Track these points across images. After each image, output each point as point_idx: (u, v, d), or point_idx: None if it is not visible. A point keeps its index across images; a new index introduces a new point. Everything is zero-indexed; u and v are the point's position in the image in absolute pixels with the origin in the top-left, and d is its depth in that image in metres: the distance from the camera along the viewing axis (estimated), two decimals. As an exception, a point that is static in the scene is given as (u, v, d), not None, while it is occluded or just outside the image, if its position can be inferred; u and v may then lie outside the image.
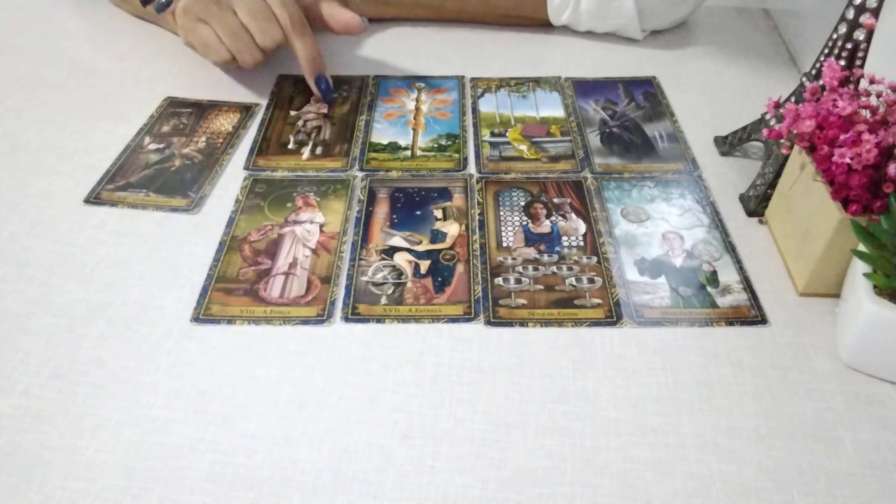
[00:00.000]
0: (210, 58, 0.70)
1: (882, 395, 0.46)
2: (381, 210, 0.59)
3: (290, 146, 0.66)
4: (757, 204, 0.58)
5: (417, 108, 0.71)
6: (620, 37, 0.81)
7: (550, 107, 0.71)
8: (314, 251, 0.55)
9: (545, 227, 0.57)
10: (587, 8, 0.78)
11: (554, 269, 0.54)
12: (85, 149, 0.64)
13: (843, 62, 0.52)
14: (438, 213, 0.58)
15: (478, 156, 0.65)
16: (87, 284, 0.52)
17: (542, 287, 0.52)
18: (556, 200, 0.60)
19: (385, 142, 0.66)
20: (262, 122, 0.68)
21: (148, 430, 0.43)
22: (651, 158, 0.64)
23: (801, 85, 0.57)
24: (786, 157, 0.55)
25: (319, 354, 0.48)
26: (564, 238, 0.56)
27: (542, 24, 0.82)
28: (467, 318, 0.50)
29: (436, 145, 0.66)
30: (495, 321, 0.50)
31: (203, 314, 0.50)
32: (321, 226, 0.57)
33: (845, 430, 0.44)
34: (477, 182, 0.62)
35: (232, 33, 0.65)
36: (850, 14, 0.51)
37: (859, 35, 0.51)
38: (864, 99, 0.49)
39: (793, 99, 0.58)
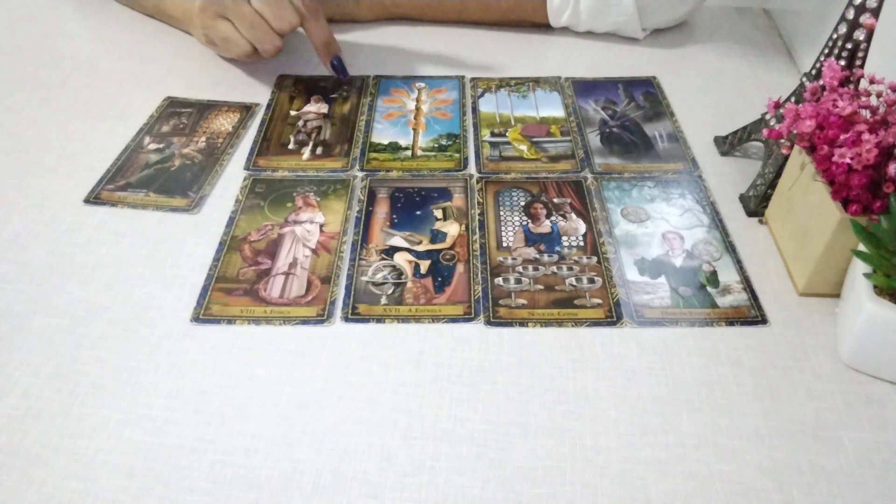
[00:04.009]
0: (232, 52, 0.70)
1: (882, 395, 0.46)
2: (381, 210, 0.59)
3: (291, 146, 0.66)
4: (757, 204, 0.58)
5: (418, 108, 0.71)
6: (620, 37, 0.81)
7: (550, 107, 0.71)
8: (314, 251, 0.55)
9: (545, 227, 0.57)
10: (587, 6, 0.78)
11: (554, 269, 0.54)
12: (85, 149, 0.65)
13: (843, 62, 0.52)
14: (438, 213, 0.58)
15: (478, 156, 0.65)
16: (87, 284, 0.52)
17: (542, 287, 0.52)
18: (556, 200, 0.60)
19: (385, 142, 0.66)
20: (262, 122, 0.68)
21: (148, 430, 0.43)
22: (651, 158, 0.64)
23: (801, 85, 0.57)
24: (786, 157, 0.55)
25: (319, 354, 0.48)
26: (564, 238, 0.56)
27: (542, 26, 0.82)
28: (467, 318, 0.50)
29: (436, 145, 0.66)
30: (495, 321, 0.50)
31: (203, 314, 0.50)
32: (321, 226, 0.57)
33: (845, 430, 0.44)
34: (477, 182, 0.62)
35: (250, 24, 0.67)
36: (850, 14, 0.51)
37: (859, 35, 0.51)
38: (864, 99, 0.49)
39: (793, 99, 0.58)
